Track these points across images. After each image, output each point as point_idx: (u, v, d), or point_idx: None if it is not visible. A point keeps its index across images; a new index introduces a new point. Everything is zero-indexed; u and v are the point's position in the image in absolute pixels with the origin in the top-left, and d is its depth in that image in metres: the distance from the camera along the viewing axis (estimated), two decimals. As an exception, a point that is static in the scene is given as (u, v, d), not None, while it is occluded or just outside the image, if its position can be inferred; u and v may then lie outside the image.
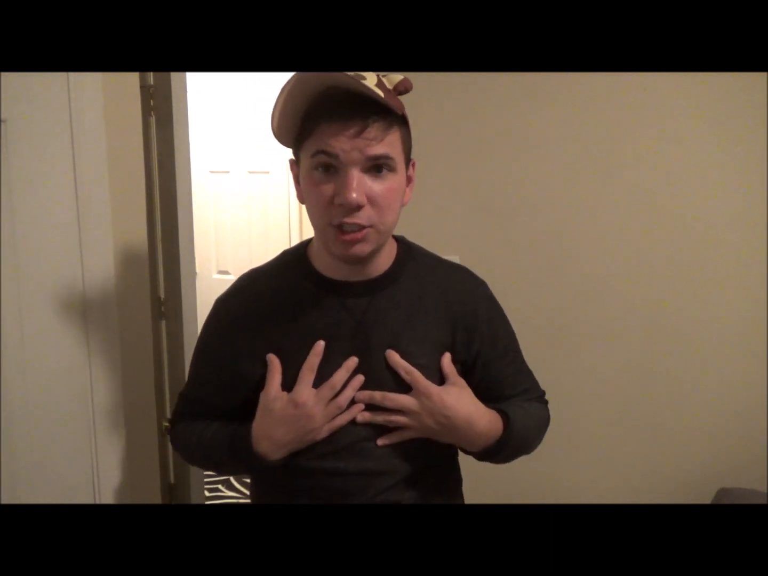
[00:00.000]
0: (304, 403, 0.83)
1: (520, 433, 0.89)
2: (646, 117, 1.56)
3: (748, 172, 1.53)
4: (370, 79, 0.76)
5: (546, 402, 1.02)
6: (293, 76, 0.74)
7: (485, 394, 0.92)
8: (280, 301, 0.89)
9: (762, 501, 1.43)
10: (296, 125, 0.81)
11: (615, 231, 1.61)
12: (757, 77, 1.48)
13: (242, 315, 0.90)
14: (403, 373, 0.84)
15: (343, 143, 0.75)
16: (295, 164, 0.85)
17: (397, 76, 0.81)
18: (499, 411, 0.90)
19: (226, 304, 0.92)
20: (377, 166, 0.78)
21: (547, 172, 1.61)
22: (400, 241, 0.94)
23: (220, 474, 0.98)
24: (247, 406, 0.89)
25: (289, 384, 0.86)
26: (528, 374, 1.00)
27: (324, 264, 0.88)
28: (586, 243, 1.63)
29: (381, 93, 0.75)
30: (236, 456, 0.87)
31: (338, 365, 0.85)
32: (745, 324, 1.58)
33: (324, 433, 0.84)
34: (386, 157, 0.77)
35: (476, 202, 1.65)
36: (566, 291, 1.64)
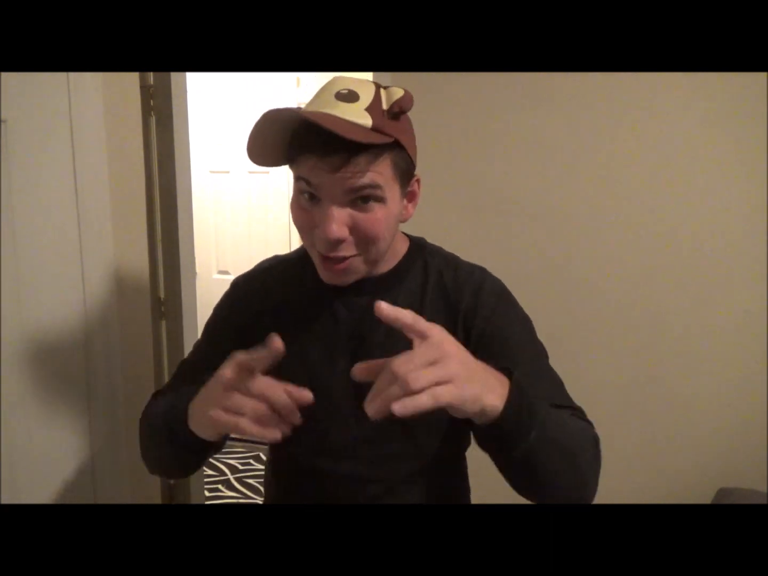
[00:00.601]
0: (221, 374, 0.66)
1: (534, 408, 0.66)
2: (647, 118, 1.56)
3: (748, 174, 1.53)
4: (365, 90, 0.73)
5: (586, 420, 0.82)
6: (265, 113, 0.69)
7: None
8: (288, 292, 0.89)
9: (762, 501, 1.43)
10: (273, 153, 0.77)
11: (614, 233, 1.61)
12: (757, 77, 1.48)
13: (250, 299, 0.90)
14: (395, 322, 0.59)
15: (322, 178, 0.71)
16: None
17: (398, 92, 0.74)
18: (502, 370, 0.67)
19: (238, 286, 0.93)
20: (363, 197, 0.73)
21: (546, 174, 1.61)
22: (413, 241, 0.91)
23: (153, 462, 0.86)
24: None
25: (279, 367, 0.83)
26: (550, 382, 0.84)
27: None
28: (584, 245, 1.63)
29: (369, 121, 0.70)
30: (171, 413, 0.75)
31: (338, 365, 0.84)
32: (746, 324, 1.57)
33: (212, 419, 0.65)
34: (371, 187, 0.72)
35: (475, 203, 1.65)
36: (566, 292, 1.64)
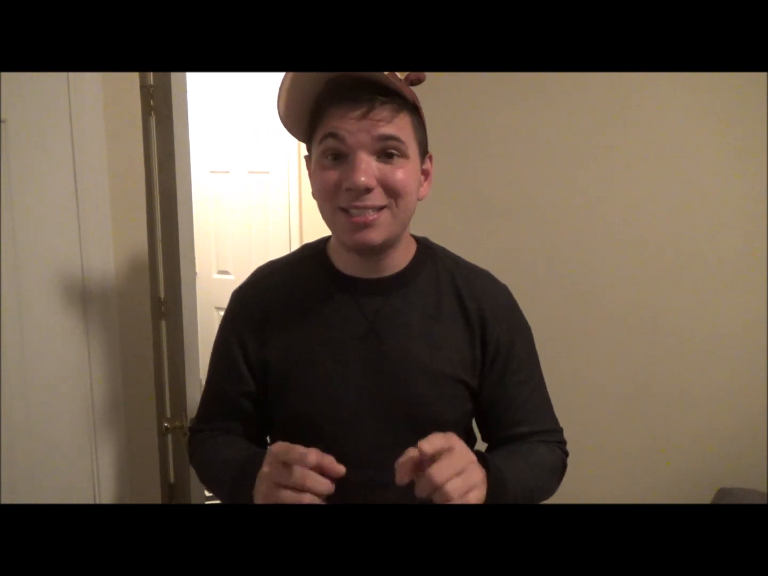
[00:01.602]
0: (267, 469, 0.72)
1: (508, 486, 0.76)
2: (647, 118, 1.56)
3: (748, 174, 1.53)
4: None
5: (560, 441, 0.92)
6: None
7: (486, 415, 0.89)
8: (294, 295, 0.87)
9: (762, 501, 1.43)
10: (305, 115, 0.80)
11: (614, 233, 1.61)
12: (757, 77, 1.48)
13: (254, 307, 0.89)
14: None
15: (349, 125, 0.74)
16: (309, 160, 0.83)
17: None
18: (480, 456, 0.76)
19: (239, 295, 0.92)
20: (388, 152, 0.76)
21: (544, 175, 1.61)
22: (420, 241, 0.91)
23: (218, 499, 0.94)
24: (261, 405, 0.89)
25: (288, 372, 0.85)
26: (541, 403, 0.91)
27: (340, 260, 0.86)
28: (584, 245, 1.62)
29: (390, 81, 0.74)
30: (239, 481, 0.78)
31: (350, 369, 0.83)
32: (746, 324, 1.57)
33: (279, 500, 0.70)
34: (395, 139, 0.75)
35: (474, 203, 1.64)
36: (566, 292, 1.64)
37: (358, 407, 0.83)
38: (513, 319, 0.89)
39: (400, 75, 0.79)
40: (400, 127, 0.76)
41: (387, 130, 0.75)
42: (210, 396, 0.94)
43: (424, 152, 0.83)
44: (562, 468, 0.92)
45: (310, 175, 0.83)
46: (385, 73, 0.75)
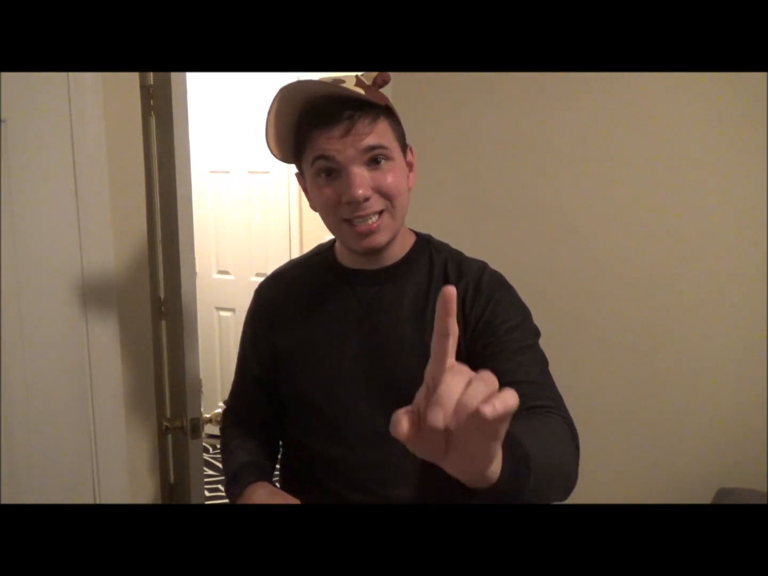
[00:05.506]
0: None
1: (528, 463, 0.61)
2: (647, 118, 1.56)
3: (749, 175, 1.53)
4: (348, 81, 0.82)
5: (563, 415, 0.79)
6: (275, 96, 0.80)
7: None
8: (302, 288, 0.96)
9: (762, 501, 1.43)
10: (290, 141, 0.86)
11: (614, 233, 1.61)
12: (757, 77, 1.48)
13: (268, 300, 0.99)
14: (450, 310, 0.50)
15: (335, 144, 0.80)
16: (300, 176, 0.90)
17: (374, 73, 0.85)
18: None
19: (258, 290, 1.03)
20: (375, 159, 0.81)
21: (546, 175, 1.61)
22: (420, 235, 0.97)
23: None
24: (275, 389, 0.98)
25: (292, 356, 0.93)
26: (536, 369, 0.84)
27: (342, 254, 0.95)
28: (584, 246, 1.63)
29: (362, 91, 0.80)
30: (231, 483, 0.94)
31: (348, 352, 0.89)
32: (746, 324, 1.57)
33: None
34: (380, 147, 0.81)
35: (476, 204, 1.64)
36: (567, 291, 1.64)
37: (353, 388, 0.88)
38: (496, 294, 0.88)
39: (366, 80, 0.84)
40: (380, 134, 0.82)
41: (370, 140, 0.80)
42: (236, 378, 1.07)
43: (404, 147, 0.89)
44: (573, 437, 0.78)
45: (306, 192, 0.90)
46: (354, 84, 0.81)
